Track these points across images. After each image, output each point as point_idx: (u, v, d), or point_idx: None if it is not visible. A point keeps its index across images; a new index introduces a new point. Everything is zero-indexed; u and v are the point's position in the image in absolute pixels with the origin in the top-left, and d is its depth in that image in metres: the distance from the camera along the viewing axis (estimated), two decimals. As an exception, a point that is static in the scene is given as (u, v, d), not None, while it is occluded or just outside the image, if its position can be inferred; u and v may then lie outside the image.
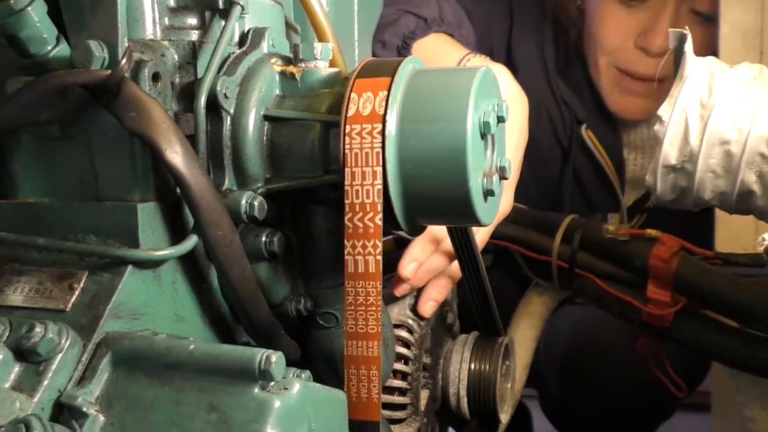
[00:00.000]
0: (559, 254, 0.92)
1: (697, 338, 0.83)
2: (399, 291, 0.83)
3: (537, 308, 1.00)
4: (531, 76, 1.14)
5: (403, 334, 0.84)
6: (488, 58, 0.97)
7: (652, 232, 0.85)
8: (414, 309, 0.87)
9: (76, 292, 0.49)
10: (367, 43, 0.86)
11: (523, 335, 0.99)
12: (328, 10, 0.76)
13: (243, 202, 0.55)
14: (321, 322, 0.62)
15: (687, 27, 1.01)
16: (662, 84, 1.09)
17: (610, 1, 1.08)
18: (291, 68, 0.59)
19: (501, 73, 0.92)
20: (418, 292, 0.87)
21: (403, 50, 1.01)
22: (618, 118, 1.18)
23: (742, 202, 0.62)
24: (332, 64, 0.63)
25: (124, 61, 0.50)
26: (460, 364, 0.88)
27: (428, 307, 0.85)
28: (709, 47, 1.07)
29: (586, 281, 0.91)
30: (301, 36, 0.73)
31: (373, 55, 0.93)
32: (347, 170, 0.53)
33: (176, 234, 0.54)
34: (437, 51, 0.99)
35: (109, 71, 0.49)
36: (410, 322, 0.86)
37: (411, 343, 0.84)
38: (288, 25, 0.70)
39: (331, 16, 0.76)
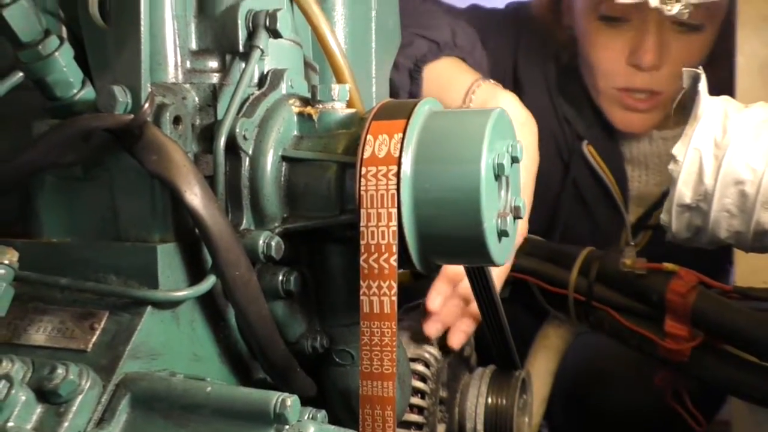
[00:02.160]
0: (576, 287, 0.92)
1: (716, 373, 0.83)
2: (431, 331, 0.84)
3: (554, 341, 1.00)
4: (535, 95, 1.17)
5: (420, 368, 0.84)
6: (499, 84, 0.98)
7: (669, 266, 0.84)
8: (431, 343, 0.88)
9: (97, 332, 0.50)
10: (384, 80, 0.87)
11: (541, 368, 0.99)
12: (346, 48, 0.78)
13: (260, 242, 0.55)
14: (337, 360, 0.62)
15: (673, 41, 1.05)
16: (661, 96, 1.12)
17: (596, 26, 1.11)
18: (309, 109, 0.60)
19: (510, 99, 0.94)
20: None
21: (415, 73, 1.03)
22: (619, 133, 1.20)
23: (758, 241, 0.62)
24: (350, 104, 0.64)
25: (146, 105, 0.51)
26: (477, 398, 0.88)
27: (457, 338, 0.85)
28: (697, 55, 1.09)
29: (603, 314, 0.91)
30: (320, 74, 0.74)
31: None
32: (363, 211, 0.54)
33: (195, 273, 0.54)
34: (448, 75, 1.01)
35: (132, 116, 0.51)
36: (427, 356, 0.86)
37: (428, 377, 0.84)
38: (307, 64, 0.72)
39: (348, 53, 0.78)
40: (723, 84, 1.12)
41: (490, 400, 0.87)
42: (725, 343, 0.81)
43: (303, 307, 0.61)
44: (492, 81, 0.98)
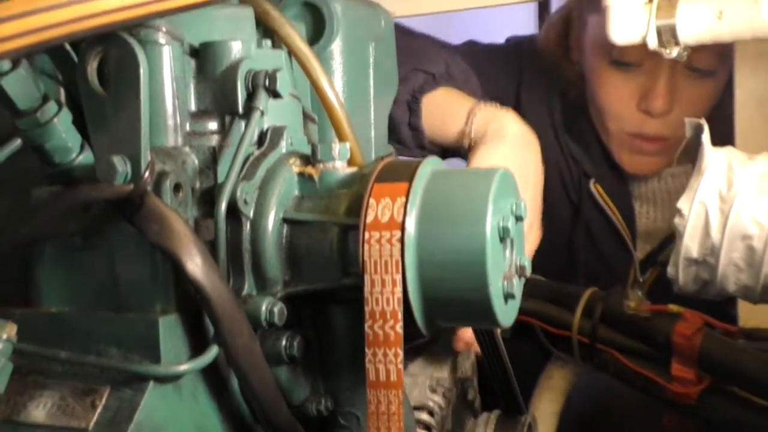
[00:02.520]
0: (580, 329, 0.91)
1: (724, 416, 0.82)
2: (461, 347, 0.86)
3: (558, 382, 0.99)
4: (540, 133, 1.15)
5: (424, 417, 0.83)
6: (497, 105, 0.98)
7: (673, 307, 0.84)
8: (434, 389, 0.87)
9: (98, 410, 0.49)
10: (383, 123, 0.86)
11: (545, 410, 0.98)
12: (345, 95, 0.77)
13: (263, 308, 0.55)
14: (342, 422, 0.61)
15: (684, 87, 1.05)
16: (671, 142, 1.11)
17: (607, 68, 1.10)
18: (309, 169, 0.59)
19: (511, 118, 0.95)
20: (433, 373, 0.86)
21: (413, 104, 1.02)
22: (627, 172, 1.19)
23: (767, 294, 0.61)
24: (350, 159, 0.63)
25: (146, 174, 0.50)
26: (482, 445, 0.86)
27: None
28: (708, 100, 1.08)
29: (608, 356, 0.89)
30: (319, 124, 0.74)
31: None
32: (367, 277, 0.53)
33: (197, 343, 0.54)
34: (447, 103, 1.00)
35: (132, 186, 0.50)
36: (431, 404, 0.85)
37: (432, 426, 0.83)
38: (305, 116, 0.71)
39: (347, 100, 0.77)
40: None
41: (495, 447, 0.85)
42: (733, 385, 0.80)
43: (306, 370, 0.60)
44: (491, 103, 0.97)
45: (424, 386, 0.87)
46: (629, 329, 0.87)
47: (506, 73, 1.22)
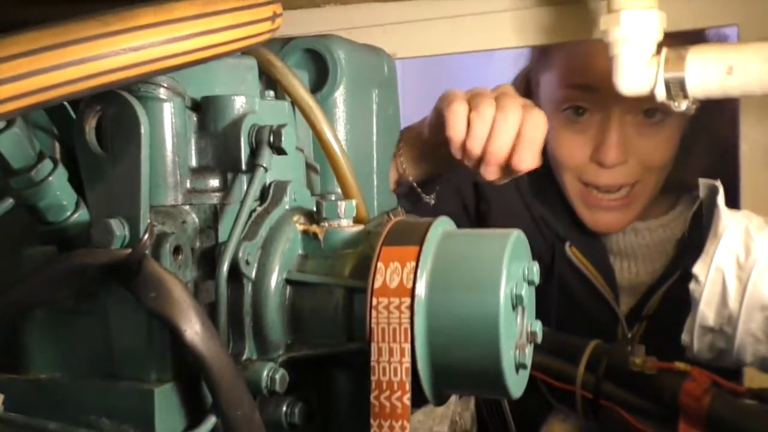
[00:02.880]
0: (583, 384, 0.88)
1: (734, 480, 0.79)
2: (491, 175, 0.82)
3: (560, 435, 0.96)
4: (506, 201, 1.15)
5: (424, 473, 0.81)
6: None
7: (680, 365, 0.81)
8: (434, 442, 0.84)
9: (88, 487, 0.46)
10: (385, 170, 0.84)
11: (546, 464, 0.95)
12: (348, 143, 0.76)
13: (264, 375, 0.52)
14: (343, 490, 0.59)
15: (636, 135, 1.03)
16: (631, 197, 1.09)
17: (559, 123, 1.10)
18: (314, 228, 0.57)
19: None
20: (433, 427, 0.84)
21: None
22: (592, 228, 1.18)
23: (785, 364, 0.59)
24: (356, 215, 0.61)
25: (146, 237, 0.48)
26: (482, 503, 0.84)
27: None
28: (664, 148, 1.07)
29: (612, 413, 0.87)
30: (321, 173, 0.72)
31: None
32: (374, 345, 0.51)
33: (193, 413, 0.51)
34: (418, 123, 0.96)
35: (130, 250, 0.47)
36: (430, 459, 0.83)
37: (431, 484, 0.81)
38: (308, 167, 0.69)
39: (350, 148, 0.75)
40: (717, 169, 1.12)
41: (496, 506, 0.83)
42: (742, 448, 0.78)
43: (307, 436, 0.58)
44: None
45: (425, 436, 0.85)
46: (634, 386, 0.84)
47: None
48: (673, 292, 1.14)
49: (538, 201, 1.17)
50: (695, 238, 0.71)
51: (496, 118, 0.81)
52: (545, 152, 1.14)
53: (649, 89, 0.78)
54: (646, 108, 1.05)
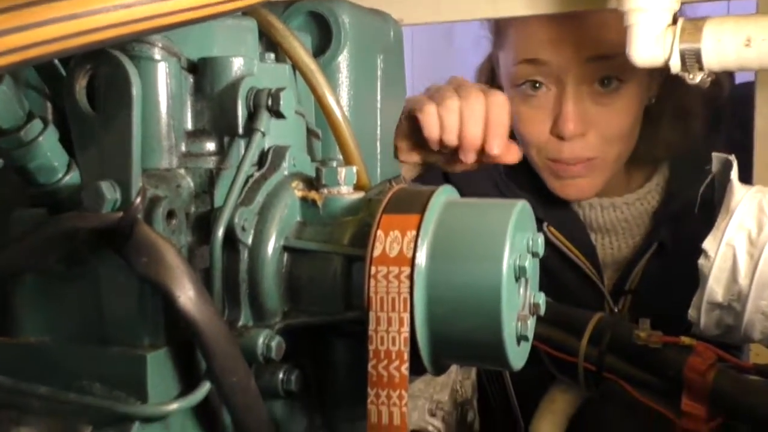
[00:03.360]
0: (587, 356, 0.87)
1: (736, 456, 0.78)
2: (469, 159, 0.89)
3: (561, 406, 0.95)
4: (483, 192, 1.16)
5: (423, 443, 0.80)
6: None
7: (686, 339, 0.80)
8: (433, 413, 0.84)
9: (79, 453, 0.45)
10: (389, 135, 0.83)
11: (547, 435, 0.94)
12: (351, 108, 0.74)
13: (260, 343, 0.51)
14: (340, 459, 0.58)
15: (593, 106, 1.03)
16: (595, 161, 1.09)
17: (518, 101, 1.10)
18: (313, 194, 0.56)
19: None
20: (433, 395, 0.83)
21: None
22: (579, 207, 1.18)
23: (793, 342, 0.58)
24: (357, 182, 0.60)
25: (138, 201, 0.47)
26: (481, 473, 0.83)
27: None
28: (624, 117, 1.07)
29: (615, 386, 0.86)
30: (323, 140, 0.70)
31: None
32: (372, 314, 0.50)
33: (187, 378, 0.50)
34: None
35: (121, 214, 0.46)
36: (430, 429, 0.82)
37: (431, 454, 0.80)
38: (309, 132, 0.67)
39: (353, 114, 0.74)
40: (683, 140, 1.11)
41: (495, 475, 0.82)
42: (746, 424, 0.77)
43: (303, 405, 0.57)
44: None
45: (424, 409, 0.84)
46: (638, 359, 0.83)
47: None
48: (652, 264, 1.15)
49: (513, 183, 1.18)
50: (705, 213, 0.70)
51: (462, 108, 0.88)
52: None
53: (663, 60, 0.76)
54: (601, 77, 1.05)
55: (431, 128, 0.88)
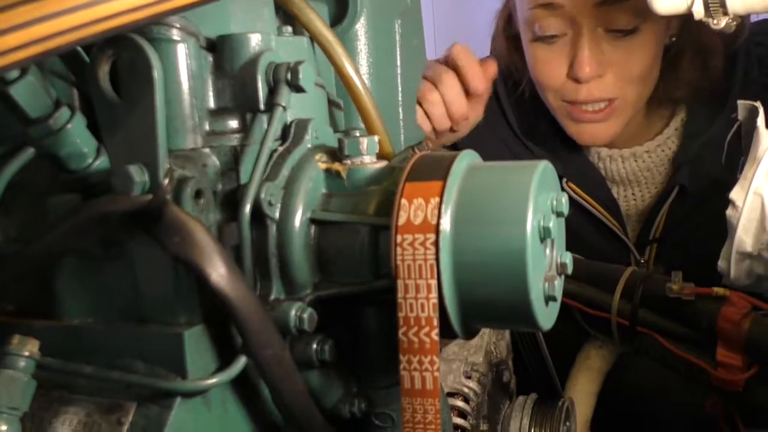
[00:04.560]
0: (619, 311, 0.88)
1: (772, 403, 0.79)
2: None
3: (596, 362, 0.96)
4: (500, 146, 1.19)
5: (459, 403, 0.81)
6: None
7: (719, 290, 0.80)
8: (469, 375, 0.85)
9: (125, 428, 0.47)
10: (411, 102, 0.82)
11: (583, 391, 0.95)
12: (371, 77, 0.74)
13: (292, 315, 0.52)
14: (377, 423, 0.59)
15: (609, 48, 1.03)
16: (614, 104, 1.09)
17: (533, 45, 1.10)
18: (336, 166, 0.56)
19: None
20: (468, 358, 0.84)
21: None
22: (600, 160, 1.17)
23: (825, 288, 0.58)
24: (380, 150, 0.60)
25: (166, 182, 0.48)
26: (519, 431, 0.84)
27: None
28: (640, 58, 1.06)
29: (649, 339, 0.86)
30: (345, 109, 0.71)
31: None
32: (400, 282, 0.51)
33: (224, 353, 0.51)
34: None
35: (150, 196, 0.47)
36: (466, 390, 0.83)
37: (468, 413, 0.81)
38: (330, 103, 0.68)
39: (374, 83, 0.74)
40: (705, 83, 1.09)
41: (533, 432, 0.84)
42: (782, 372, 0.77)
43: (339, 373, 0.58)
44: None
45: (459, 372, 0.85)
46: (671, 312, 0.84)
47: None
48: (674, 210, 1.14)
49: (532, 143, 1.19)
50: (732, 162, 0.69)
51: (442, 94, 0.97)
52: (531, 84, 1.16)
53: (686, 6, 0.74)
54: (616, 19, 1.04)
55: (424, 125, 0.96)
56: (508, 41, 1.19)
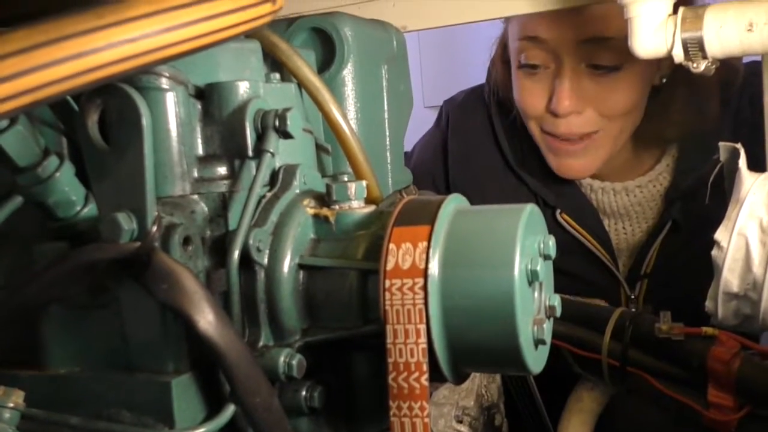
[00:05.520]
0: (610, 352, 0.87)
1: (765, 444, 0.78)
2: None
3: (588, 404, 0.95)
4: (498, 177, 1.20)
5: (451, 449, 0.81)
6: None
7: (708, 330, 0.80)
8: (460, 419, 0.84)
9: (111, 479, 0.46)
10: (398, 147, 0.83)
11: (576, 434, 0.94)
12: (359, 122, 0.75)
13: (281, 361, 0.52)
14: (367, 471, 0.59)
15: (590, 84, 1.04)
16: (592, 138, 1.10)
17: (519, 73, 1.12)
18: (325, 211, 0.57)
19: None
20: (459, 402, 0.84)
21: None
22: (592, 193, 1.18)
23: (812, 327, 0.58)
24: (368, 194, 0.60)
25: (154, 229, 0.48)
26: (511, 475, 0.84)
27: None
28: (621, 96, 1.07)
29: (640, 380, 0.86)
30: (332, 154, 0.71)
31: None
32: (389, 327, 0.51)
33: (212, 401, 0.51)
34: None
35: (138, 244, 0.47)
36: (457, 435, 0.82)
37: (459, 459, 0.81)
38: (318, 147, 0.68)
39: (362, 127, 0.75)
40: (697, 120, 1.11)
41: (525, 477, 0.83)
42: (773, 412, 0.77)
43: (328, 420, 0.58)
44: None
45: (450, 416, 0.85)
46: (661, 352, 0.83)
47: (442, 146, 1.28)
48: (666, 246, 1.14)
49: (524, 172, 1.19)
50: (716, 204, 0.70)
51: None
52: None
53: (666, 50, 0.76)
54: (598, 58, 1.05)
55: None
56: (504, 66, 1.20)
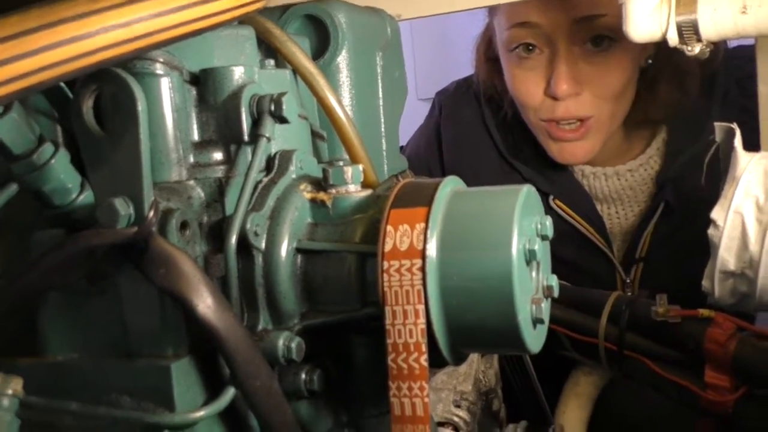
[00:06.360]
0: (607, 336, 0.88)
1: (763, 425, 0.79)
2: None
3: (585, 389, 0.96)
4: (488, 167, 1.20)
5: (450, 433, 0.81)
6: None
7: (704, 312, 0.80)
8: (459, 404, 0.84)
9: (112, 464, 0.46)
10: (394, 134, 0.83)
11: (574, 418, 0.95)
12: (354, 109, 0.75)
13: (280, 345, 0.52)
14: (367, 453, 0.59)
15: (586, 66, 1.05)
16: (590, 121, 1.10)
17: (511, 64, 1.12)
18: (321, 195, 0.57)
19: None
20: (457, 386, 0.84)
21: None
22: (584, 178, 1.19)
23: (808, 305, 0.58)
24: (364, 179, 0.60)
25: (151, 214, 0.48)
26: (510, 459, 0.84)
27: None
28: (618, 75, 1.08)
29: (637, 363, 0.86)
30: (328, 140, 0.71)
31: None
32: (387, 309, 0.51)
33: (212, 385, 0.51)
34: None
35: (136, 228, 0.47)
36: (456, 419, 0.82)
37: (458, 443, 0.81)
38: (314, 134, 0.68)
39: (356, 114, 0.75)
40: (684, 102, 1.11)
41: (524, 461, 0.83)
42: (770, 392, 0.77)
43: (328, 403, 0.58)
44: None
45: (448, 401, 0.85)
46: (658, 335, 0.84)
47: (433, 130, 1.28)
48: (660, 229, 1.15)
49: (518, 162, 1.20)
50: (712, 184, 0.70)
51: None
52: (512, 103, 1.18)
53: (660, 34, 0.76)
54: (592, 36, 1.06)
55: None
56: (489, 64, 1.21)
